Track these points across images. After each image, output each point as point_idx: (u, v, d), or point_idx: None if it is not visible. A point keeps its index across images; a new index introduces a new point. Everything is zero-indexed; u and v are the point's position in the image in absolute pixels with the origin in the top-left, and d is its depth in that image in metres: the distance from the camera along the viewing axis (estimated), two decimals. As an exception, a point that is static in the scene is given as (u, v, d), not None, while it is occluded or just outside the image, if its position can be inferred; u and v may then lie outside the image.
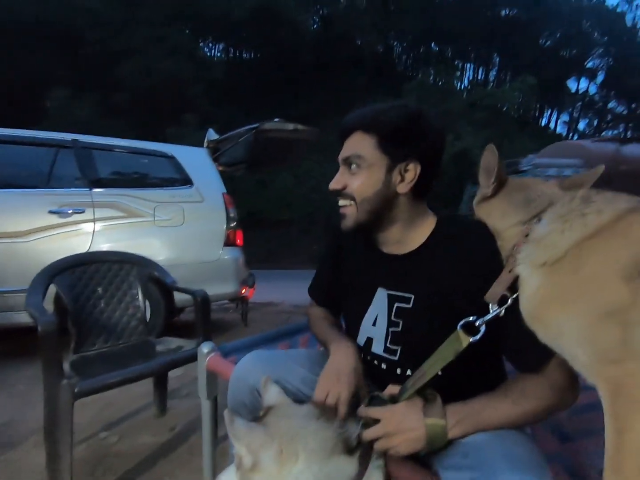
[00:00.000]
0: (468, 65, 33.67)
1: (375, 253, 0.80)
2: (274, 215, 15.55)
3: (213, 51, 25.93)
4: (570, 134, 39.04)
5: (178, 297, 2.44)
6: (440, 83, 20.79)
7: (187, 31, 20.30)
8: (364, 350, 0.79)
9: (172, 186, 2.73)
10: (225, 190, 2.87)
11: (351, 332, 0.84)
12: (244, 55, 25.50)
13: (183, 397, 1.89)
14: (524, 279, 0.58)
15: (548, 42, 34.44)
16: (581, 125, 40.27)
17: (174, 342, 1.49)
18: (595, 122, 40.59)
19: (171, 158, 2.79)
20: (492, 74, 34.21)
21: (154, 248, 2.55)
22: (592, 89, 39.22)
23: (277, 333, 1.28)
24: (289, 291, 6.13)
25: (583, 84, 38.69)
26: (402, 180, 0.71)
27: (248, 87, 21.28)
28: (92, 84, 15.78)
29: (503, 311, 0.60)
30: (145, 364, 1.26)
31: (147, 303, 1.65)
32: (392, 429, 0.59)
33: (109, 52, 16.66)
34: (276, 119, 2.99)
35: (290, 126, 3.02)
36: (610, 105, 40.04)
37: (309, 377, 0.80)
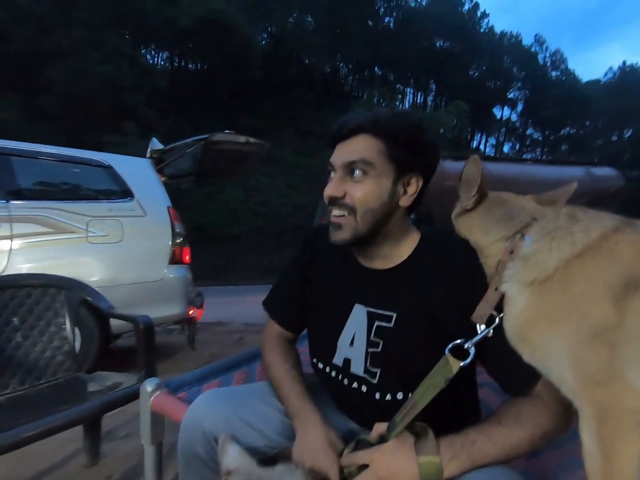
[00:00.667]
0: (408, 89, 36.19)
1: (354, 267, 0.74)
2: (221, 230, 15.05)
3: (156, 59, 24.98)
4: (498, 156, 43.36)
5: (115, 322, 2.21)
6: (384, 104, 22.00)
7: (127, 36, 19.34)
8: (342, 372, 0.72)
9: (109, 199, 2.48)
10: (170, 204, 2.67)
11: (324, 352, 0.75)
12: (190, 65, 24.91)
13: (121, 439, 1.66)
14: (511, 298, 0.55)
15: (476, 73, 38.36)
16: (506, 148, 45.14)
17: (110, 378, 1.30)
18: (517, 146, 45.77)
19: (108, 168, 2.54)
20: (430, 98, 37.08)
21: (87, 268, 2.27)
22: (514, 117, 44.36)
23: (231, 361, 1.17)
24: (238, 308, 5.90)
25: (506, 112, 43.60)
26: (405, 192, 0.67)
27: (194, 97, 20.74)
28: (16, 85, 14.26)
29: (492, 331, 0.57)
30: (74, 409, 1.05)
31: (78, 332, 1.43)
32: (382, 473, 0.52)
33: (38, 51, 15.23)
34: (227, 131, 2.88)
35: (242, 139, 2.94)
36: (529, 131, 45.59)
37: (273, 415, 0.72)
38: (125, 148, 8.21)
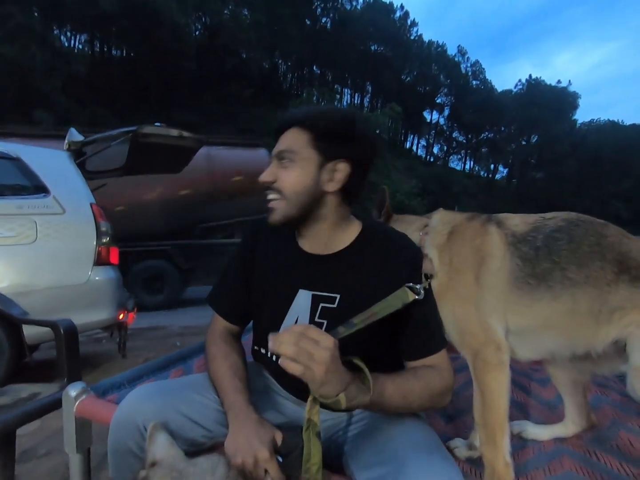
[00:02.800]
0: (346, 90, 37.19)
1: (298, 253, 0.77)
2: (156, 229, 14.04)
3: (73, 42, 22.49)
4: (428, 156, 46.65)
5: (31, 331, 1.98)
6: (322, 103, 22.34)
7: (37, 14, 17.13)
8: None
9: (19, 195, 2.21)
10: (94, 200, 2.45)
11: (265, 340, 0.77)
12: (114, 51, 22.85)
13: (40, 458, 1.50)
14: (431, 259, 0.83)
15: (408, 78, 40.70)
16: (435, 149, 48.72)
17: (24, 390, 1.18)
18: (445, 148, 49.61)
19: (16, 160, 2.26)
20: (367, 100, 38.51)
21: (-8, 272, 2.01)
22: (442, 121, 47.94)
23: (166, 360, 1.13)
24: (174, 314, 5.61)
25: (435, 115, 46.94)
26: (332, 179, 0.72)
27: (120, 87, 19.09)
28: None
29: (428, 285, 0.71)
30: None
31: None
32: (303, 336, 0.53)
33: None
34: (157, 124, 2.72)
35: (175, 132, 2.80)
36: (455, 134, 49.57)
37: (211, 406, 0.72)
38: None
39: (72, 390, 0.89)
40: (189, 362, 1.22)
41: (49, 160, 2.43)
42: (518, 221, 0.82)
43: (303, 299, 0.75)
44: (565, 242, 0.76)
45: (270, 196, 0.73)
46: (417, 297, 0.68)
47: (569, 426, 0.93)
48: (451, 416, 1.07)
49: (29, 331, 1.96)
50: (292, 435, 0.65)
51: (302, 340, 0.51)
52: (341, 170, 0.72)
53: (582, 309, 0.74)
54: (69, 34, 22.04)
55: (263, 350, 0.80)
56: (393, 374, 0.65)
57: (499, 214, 0.85)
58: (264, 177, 0.73)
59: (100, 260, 2.39)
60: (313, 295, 0.74)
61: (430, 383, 0.66)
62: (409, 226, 0.91)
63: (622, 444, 0.91)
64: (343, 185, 0.73)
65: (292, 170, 0.71)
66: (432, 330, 0.73)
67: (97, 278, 2.38)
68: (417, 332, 0.71)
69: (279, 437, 0.65)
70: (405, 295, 0.68)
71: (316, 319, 0.73)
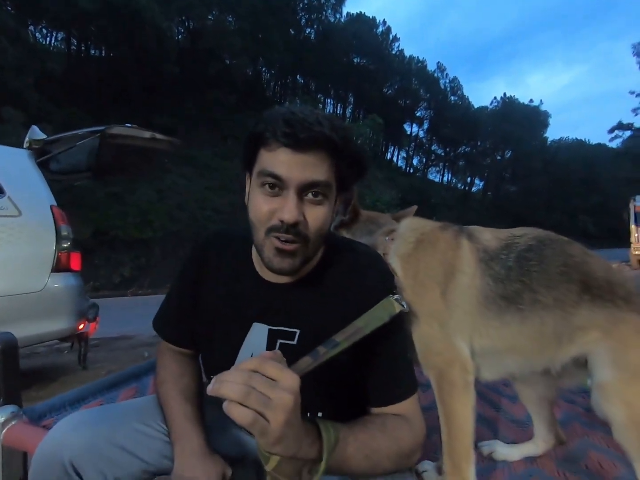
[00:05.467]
0: (329, 100, 37.67)
1: (254, 281, 0.66)
2: (130, 234, 13.64)
3: (49, 39, 21.79)
4: (408, 168, 47.69)
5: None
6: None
7: (10, 8, 16.52)
8: None
9: (-31, 195, 2.05)
10: (54, 202, 2.31)
11: (220, 372, 0.68)
12: (93, 51, 22.28)
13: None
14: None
15: (389, 91, 41.68)
16: (415, 161, 49.87)
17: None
18: (424, 160, 50.89)
19: (-32, 158, 2.11)
20: (349, 110, 39.07)
21: None
22: (421, 134, 49.25)
23: (117, 377, 1.04)
24: (146, 321, 5.37)
25: (415, 128, 48.18)
26: (337, 211, 0.67)
27: (98, 88, 18.59)
28: None
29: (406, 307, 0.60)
30: None
31: None
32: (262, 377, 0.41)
33: None
34: (128, 124, 2.61)
35: (147, 134, 2.69)
36: (434, 147, 50.99)
37: (154, 435, 0.65)
38: (4, 138, 6.93)
39: (0, 415, 0.79)
40: (144, 379, 1.13)
41: (5, 158, 2.28)
42: (489, 236, 0.79)
43: (258, 334, 0.64)
44: (536, 262, 0.74)
45: (287, 238, 0.56)
46: (403, 308, 0.59)
47: (539, 444, 0.91)
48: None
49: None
50: (244, 471, 0.59)
51: (254, 380, 0.39)
52: (340, 199, 0.64)
53: (548, 332, 0.72)
54: (44, 30, 21.35)
55: None
56: (356, 426, 0.53)
57: (470, 227, 0.82)
58: (294, 217, 0.54)
59: (59, 267, 2.24)
60: (270, 330, 0.64)
61: (399, 440, 0.55)
62: (376, 228, 0.86)
63: (592, 465, 0.89)
64: None
65: (325, 209, 0.57)
66: (403, 370, 0.62)
67: (55, 285, 2.22)
68: (386, 371, 0.61)
69: (228, 473, 0.58)
70: (392, 307, 0.58)
71: None
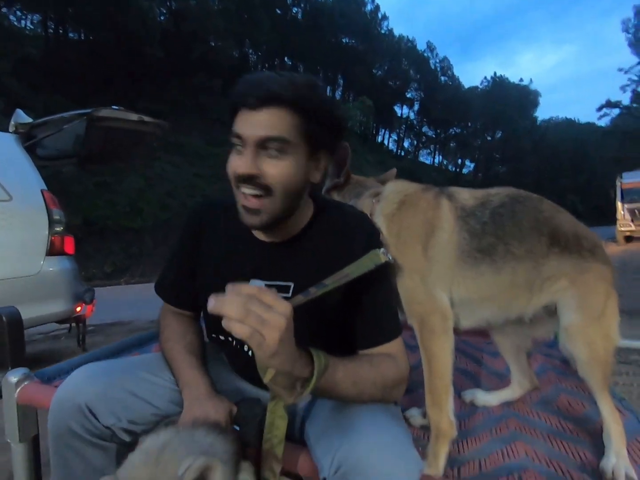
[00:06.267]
0: (318, 82, 37.05)
1: (249, 242, 0.70)
2: (120, 223, 13.49)
3: (24, 22, 20.86)
4: (399, 150, 47.48)
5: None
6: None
7: (-18, -10, 15.74)
8: (241, 344, 0.72)
9: (-43, 180, 2.04)
10: (45, 187, 2.30)
11: (222, 327, 0.73)
12: (71, 34, 21.43)
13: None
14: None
15: (379, 72, 41.04)
16: (406, 144, 49.66)
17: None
18: (415, 142, 50.68)
19: (-46, 143, 2.08)
20: (338, 93, 38.49)
21: None
22: (412, 115, 48.84)
23: (120, 345, 1.09)
24: (143, 307, 5.41)
25: (405, 110, 47.75)
26: (317, 169, 0.65)
27: (78, 72, 17.97)
28: None
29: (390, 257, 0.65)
30: None
31: None
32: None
33: None
34: (114, 107, 2.58)
35: (134, 116, 2.66)
36: (424, 129, 50.70)
37: (162, 384, 0.70)
38: (-17, 126, 6.73)
39: (13, 377, 0.84)
40: (147, 347, 1.18)
41: (-9, 143, 2.25)
42: (467, 196, 0.84)
43: None
44: (509, 217, 0.79)
45: (248, 191, 0.60)
46: (388, 259, 0.63)
47: (515, 389, 0.99)
48: (408, 389, 1.11)
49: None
50: (249, 406, 0.65)
51: (251, 303, 0.44)
52: (323, 158, 0.65)
53: (520, 281, 0.78)
54: (18, 13, 20.41)
55: (221, 337, 0.76)
56: (345, 359, 0.58)
57: (450, 187, 0.87)
58: (246, 169, 0.58)
59: (53, 250, 2.26)
60: (266, 285, 0.68)
61: (384, 372, 0.61)
62: (364, 191, 0.91)
63: (562, 405, 0.98)
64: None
65: (283, 162, 0.59)
66: (388, 315, 0.68)
67: (50, 269, 2.25)
68: (372, 316, 0.66)
69: (234, 409, 0.64)
70: (377, 257, 0.62)
71: None
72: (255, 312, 0.43)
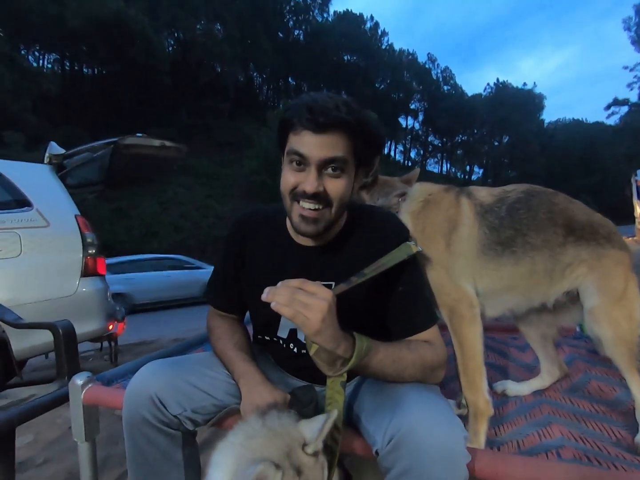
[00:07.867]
0: (322, 99, 37.79)
1: (291, 247, 0.77)
2: (137, 246, 13.81)
3: (42, 61, 22.08)
4: (406, 161, 47.66)
5: (19, 346, 1.95)
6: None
7: (2, 34, 16.78)
8: (290, 341, 0.79)
9: (1, 209, 2.19)
10: (78, 212, 2.44)
11: (268, 328, 0.80)
12: (86, 70, 22.55)
13: (39, 466, 1.49)
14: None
15: (382, 86, 41.66)
16: (413, 154, 49.85)
17: (19, 393, 1.18)
18: (422, 152, 50.81)
19: (-3, 175, 2.25)
20: (342, 108, 39.14)
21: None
22: (417, 126, 49.18)
23: (169, 352, 1.17)
24: (165, 327, 5.52)
25: (410, 121, 48.13)
26: (357, 181, 0.74)
27: (93, 105, 18.82)
28: None
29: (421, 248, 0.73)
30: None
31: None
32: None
33: None
34: (139, 134, 2.74)
35: (157, 142, 2.81)
36: (430, 139, 50.87)
37: (219, 378, 0.77)
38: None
39: (79, 380, 0.92)
40: (190, 353, 1.26)
41: (30, 174, 2.42)
42: (485, 193, 0.91)
43: None
44: (525, 211, 0.85)
45: (310, 205, 0.67)
46: (419, 249, 0.72)
47: (545, 378, 1.02)
48: (441, 384, 1.15)
49: (16, 347, 1.93)
50: (305, 391, 0.71)
51: (297, 293, 0.54)
52: (361, 172, 0.75)
53: (539, 270, 0.84)
54: (37, 53, 21.64)
55: (267, 337, 0.83)
56: (386, 343, 0.65)
57: (469, 187, 0.94)
58: (310, 187, 0.66)
59: (87, 272, 2.37)
60: None
61: (423, 355, 0.67)
62: (391, 190, 0.98)
63: (593, 390, 1.01)
64: None
65: (342, 180, 0.68)
66: (423, 304, 0.74)
67: (84, 289, 2.36)
68: (408, 305, 0.72)
69: (288, 397, 0.70)
70: (409, 248, 0.70)
71: None
72: (299, 298, 0.54)
